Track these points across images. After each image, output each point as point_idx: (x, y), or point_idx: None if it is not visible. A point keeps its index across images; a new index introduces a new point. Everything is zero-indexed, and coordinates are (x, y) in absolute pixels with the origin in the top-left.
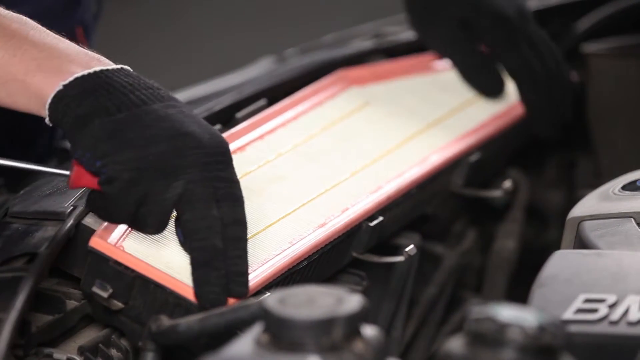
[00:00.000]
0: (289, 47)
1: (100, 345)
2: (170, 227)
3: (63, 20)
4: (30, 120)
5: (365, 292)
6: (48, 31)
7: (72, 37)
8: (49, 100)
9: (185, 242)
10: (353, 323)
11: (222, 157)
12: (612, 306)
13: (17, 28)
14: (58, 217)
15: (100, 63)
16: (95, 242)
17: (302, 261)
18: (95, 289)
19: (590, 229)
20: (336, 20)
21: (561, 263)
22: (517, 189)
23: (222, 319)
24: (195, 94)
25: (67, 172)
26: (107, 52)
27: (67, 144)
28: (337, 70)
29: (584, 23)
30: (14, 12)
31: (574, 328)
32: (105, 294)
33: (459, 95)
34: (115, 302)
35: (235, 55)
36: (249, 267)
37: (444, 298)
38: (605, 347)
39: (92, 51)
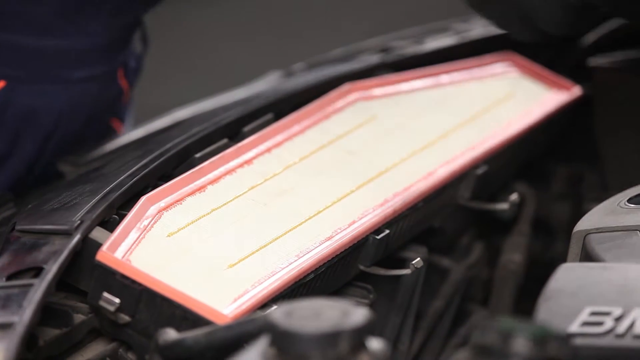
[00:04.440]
0: (296, 62)
1: (108, 359)
2: (176, 240)
3: (107, 60)
4: None
5: (371, 305)
6: None
7: (113, 77)
8: None
9: None
10: (359, 336)
11: None
12: (618, 319)
13: None
14: (65, 231)
15: None
16: (102, 256)
17: (308, 274)
18: (102, 303)
19: (597, 242)
20: (343, 34)
21: (567, 276)
22: (524, 202)
23: (229, 332)
24: (202, 108)
25: None
26: None
27: (74, 158)
28: (343, 84)
29: (591, 36)
30: (58, 45)
31: (579, 341)
32: (112, 308)
33: (466, 109)
34: (122, 315)
35: (242, 70)
36: (256, 280)
37: (451, 311)
38: None
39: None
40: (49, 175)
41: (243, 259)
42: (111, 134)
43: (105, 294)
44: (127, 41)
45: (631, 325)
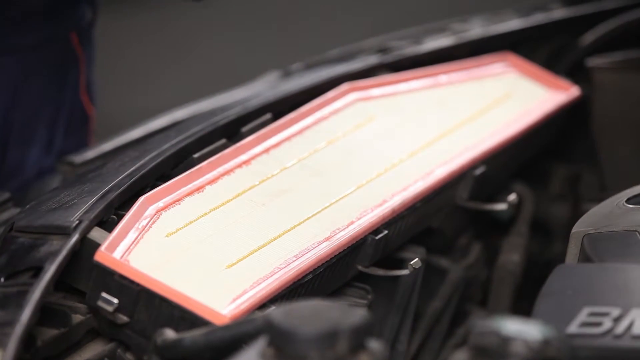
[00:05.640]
0: (294, 62)
1: (106, 359)
2: (175, 240)
3: (57, 24)
4: None
5: (370, 306)
6: None
7: (67, 42)
8: None
9: None
10: (357, 336)
11: None
12: (616, 319)
13: None
14: (63, 231)
15: None
16: (100, 256)
17: (307, 274)
18: (101, 303)
19: (595, 243)
20: (342, 34)
21: (565, 276)
22: (522, 203)
23: (227, 332)
24: (201, 108)
25: None
26: (113, 66)
27: (73, 157)
28: (342, 84)
29: (589, 37)
30: (8, 13)
31: (578, 342)
32: (110, 308)
33: (464, 110)
34: (121, 315)
35: (241, 70)
36: (254, 281)
37: (449, 311)
38: None
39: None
40: (23, 158)
41: (241, 260)
42: (85, 116)
43: (104, 294)
44: (73, 7)
45: (630, 326)
